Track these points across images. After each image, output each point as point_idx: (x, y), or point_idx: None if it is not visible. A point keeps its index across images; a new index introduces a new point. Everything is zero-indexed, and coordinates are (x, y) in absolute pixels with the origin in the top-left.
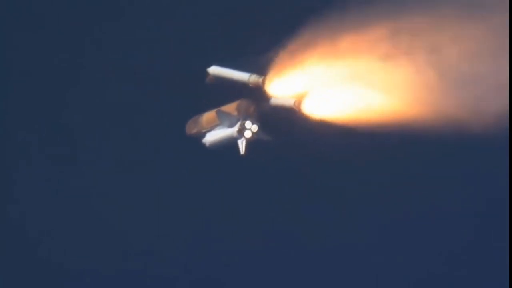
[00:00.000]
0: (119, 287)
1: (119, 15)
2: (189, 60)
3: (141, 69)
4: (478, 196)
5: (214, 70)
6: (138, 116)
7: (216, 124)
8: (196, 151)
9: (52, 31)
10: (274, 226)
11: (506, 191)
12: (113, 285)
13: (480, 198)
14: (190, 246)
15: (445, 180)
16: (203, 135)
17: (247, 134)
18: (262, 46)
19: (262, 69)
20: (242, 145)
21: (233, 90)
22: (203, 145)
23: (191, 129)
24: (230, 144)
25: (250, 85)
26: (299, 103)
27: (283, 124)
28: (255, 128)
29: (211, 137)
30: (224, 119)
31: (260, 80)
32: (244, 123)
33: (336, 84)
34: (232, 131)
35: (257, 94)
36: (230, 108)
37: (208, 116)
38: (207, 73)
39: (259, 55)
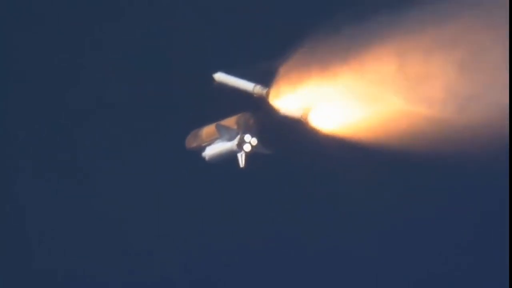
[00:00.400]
0: (119, 287)
1: (119, 15)
2: (189, 60)
3: (141, 69)
4: (478, 196)
5: (220, 76)
6: (138, 116)
7: (216, 137)
8: (197, 155)
9: (52, 31)
10: (274, 226)
11: (506, 191)
12: (113, 285)
13: (480, 198)
14: (190, 246)
15: (445, 180)
16: (203, 148)
17: (247, 147)
18: (268, 56)
19: (266, 80)
20: (241, 158)
21: (235, 99)
22: (203, 158)
23: (190, 143)
24: (229, 158)
25: (254, 95)
26: (307, 115)
27: (288, 135)
28: (254, 141)
29: (210, 151)
30: (224, 133)
31: (264, 91)
32: (243, 137)
33: (340, 98)
34: (232, 144)
35: (261, 106)
36: (230, 122)
37: (208, 130)
38: (212, 79)
39: (265, 65)
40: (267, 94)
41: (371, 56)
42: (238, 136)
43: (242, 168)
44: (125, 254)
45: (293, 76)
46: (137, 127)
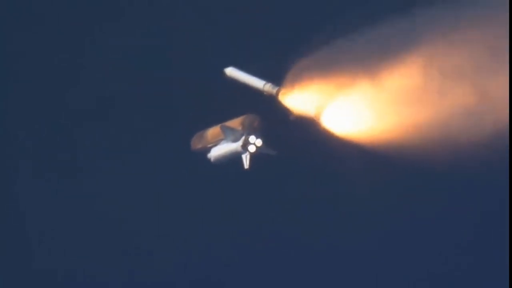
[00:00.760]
0: (119, 287)
1: (119, 15)
2: (189, 60)
3: (141, 69)
4: (478, 196)
5: (231, 71)
6: (138, 116)
7: (221, 138)
8: (200, 155)
9: (52, 31)
10: (274, 226)
11: (506, 191)
12: (113, 285)
13: (480, 198)
14: (190, 246)
15: (445, 180)
16: (208, 150)
17: (251, 148)
18: (268, 56)
19: (277, 79)
20: (246, 159)
21: (240, 99)
22: (208, 160)
23: (195, 144)
24: (234, 159)
25: (263, 93)
26: (319, 114)
27: (295, 136)
28: (259, 142)
29: (215, 152)
30: (229, 134)
31: (275, 90)
32: (248, 138)
33: (353, 101)
34: (237, 145)
35: (270, 105)
36: (235, 123)
37: (213, 131)
38: (223, 73)
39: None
40: (277, 93)
41: (387, 63)
42: (243, 137)
43: (246, 169)
44: (125, 254)
45: (304, 77)
46: (137, 127)
